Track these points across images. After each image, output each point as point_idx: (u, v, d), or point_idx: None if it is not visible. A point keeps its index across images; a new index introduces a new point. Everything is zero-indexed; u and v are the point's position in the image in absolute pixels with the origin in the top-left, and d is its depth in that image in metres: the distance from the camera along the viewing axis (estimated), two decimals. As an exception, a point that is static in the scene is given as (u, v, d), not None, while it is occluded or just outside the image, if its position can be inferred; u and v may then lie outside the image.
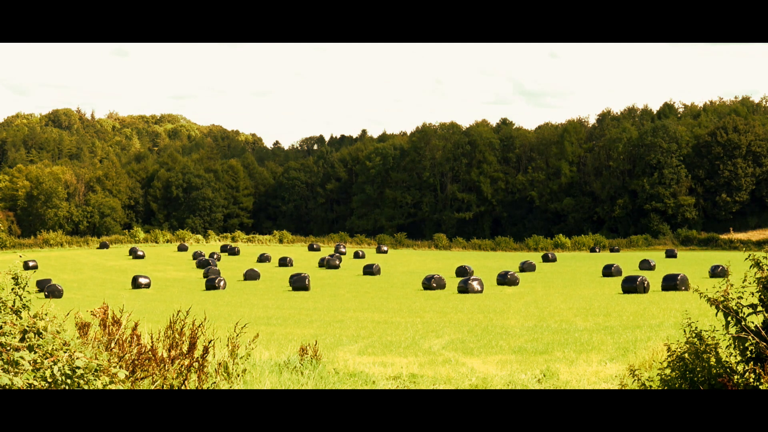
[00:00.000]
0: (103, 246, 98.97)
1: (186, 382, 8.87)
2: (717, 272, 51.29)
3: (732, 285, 8.53)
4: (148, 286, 55.64)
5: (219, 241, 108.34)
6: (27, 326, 7.06)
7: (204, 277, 61.37)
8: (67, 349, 6.87)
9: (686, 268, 57.81)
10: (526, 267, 65.41)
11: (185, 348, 9.31)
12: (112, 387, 6.79)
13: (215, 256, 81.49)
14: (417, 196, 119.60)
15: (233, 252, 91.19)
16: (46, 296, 43.09)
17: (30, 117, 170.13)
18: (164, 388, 8.63)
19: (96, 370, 6.73)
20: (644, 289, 41.75)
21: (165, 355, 9.14)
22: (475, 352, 19.60)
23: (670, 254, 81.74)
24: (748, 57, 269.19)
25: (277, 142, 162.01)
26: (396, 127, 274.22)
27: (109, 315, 9.77)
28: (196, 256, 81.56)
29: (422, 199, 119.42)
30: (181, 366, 8.97)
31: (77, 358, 6.72)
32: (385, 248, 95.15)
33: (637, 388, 9.01)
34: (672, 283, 43.07)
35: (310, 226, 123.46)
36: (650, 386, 8.79)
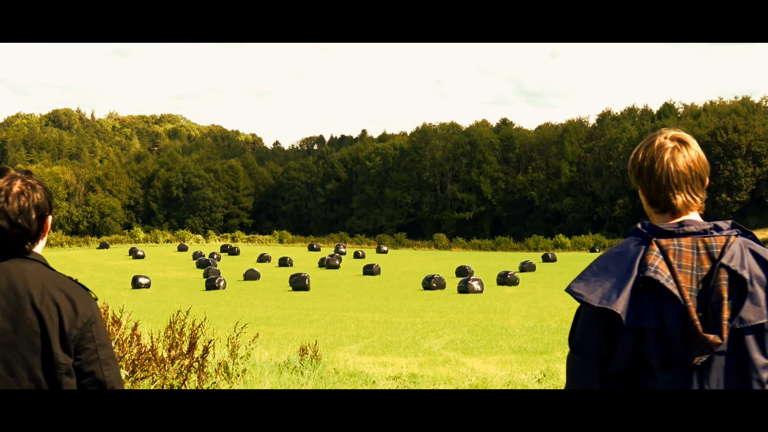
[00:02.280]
0: (103, 246, 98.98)
1: (186, 382, 8.86)
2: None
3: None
4: (148, 286, 55.62)
5: (219, 241, 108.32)
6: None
7: (204, 277, 61.33)
8: (67, 349, 6.85)
9: (686, 268, 57.73)
10: (526, 267, 65.36)
11: (185, 348, 9.30)
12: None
13: (215, 256, 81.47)
14: (417, 196, 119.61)
15: (233, 252, 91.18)
16: (46, 296, 42.98)
17: (30, 117, 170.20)
18: (164, 388, 8.63)
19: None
20: (644, 289, 41.75)
21: (165, 355, 9.14)
22: (475, 352, 19.61)
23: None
24: (748, 57, 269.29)
25: (277, 142, 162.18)
26: (396, 127, 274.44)
27: (109, 315, 9.77)
28: (196, 256, 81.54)
29: (422, 199, 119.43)
30: (181, 366, 8.97)
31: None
32: (385, 248, 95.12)
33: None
34: (672, 283, 43.05)
35: (310, 226, 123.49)
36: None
